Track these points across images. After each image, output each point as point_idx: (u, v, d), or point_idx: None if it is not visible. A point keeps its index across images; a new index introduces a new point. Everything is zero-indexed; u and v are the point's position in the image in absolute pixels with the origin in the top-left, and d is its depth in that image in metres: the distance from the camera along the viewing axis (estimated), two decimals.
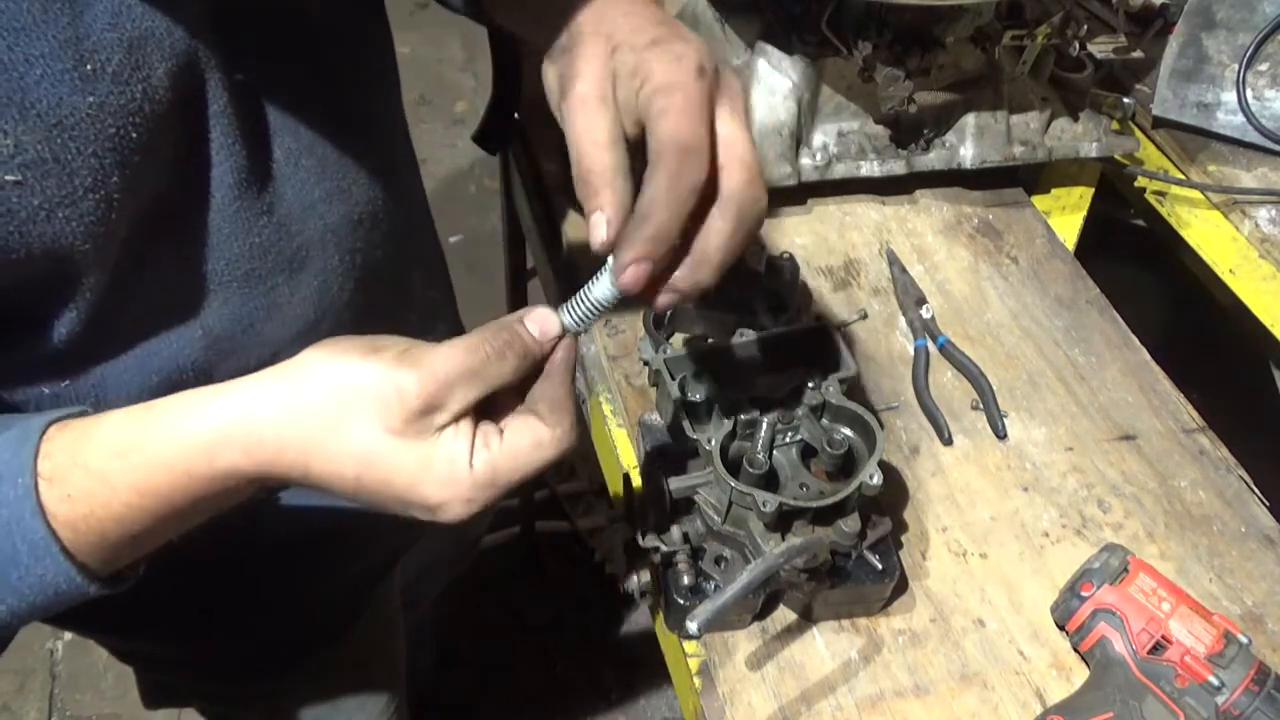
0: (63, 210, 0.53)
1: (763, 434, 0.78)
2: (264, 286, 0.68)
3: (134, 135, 0.55)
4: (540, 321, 0.57)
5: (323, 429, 0.52)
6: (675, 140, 0.55)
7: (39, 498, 0.51)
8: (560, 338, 0.58)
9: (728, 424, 0.78)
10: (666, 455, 0.84)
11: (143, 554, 0.57)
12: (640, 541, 0.78)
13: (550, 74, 0.63)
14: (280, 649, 0.95)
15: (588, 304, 0.59)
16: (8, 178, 0.50)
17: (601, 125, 0.58)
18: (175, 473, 0.52)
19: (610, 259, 0.57)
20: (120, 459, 0.52)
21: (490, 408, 0.57)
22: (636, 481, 0.86)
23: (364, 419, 0.52)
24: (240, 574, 0.85)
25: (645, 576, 0.80)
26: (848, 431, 0.80)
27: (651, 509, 0.80)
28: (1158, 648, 0.76)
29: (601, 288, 0.58)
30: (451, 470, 0.53)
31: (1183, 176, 1.24)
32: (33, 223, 0.52)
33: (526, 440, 0.55)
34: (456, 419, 0.54)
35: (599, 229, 0.56)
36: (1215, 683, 0.74)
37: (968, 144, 1.15)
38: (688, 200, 0.56)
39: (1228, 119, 1.22)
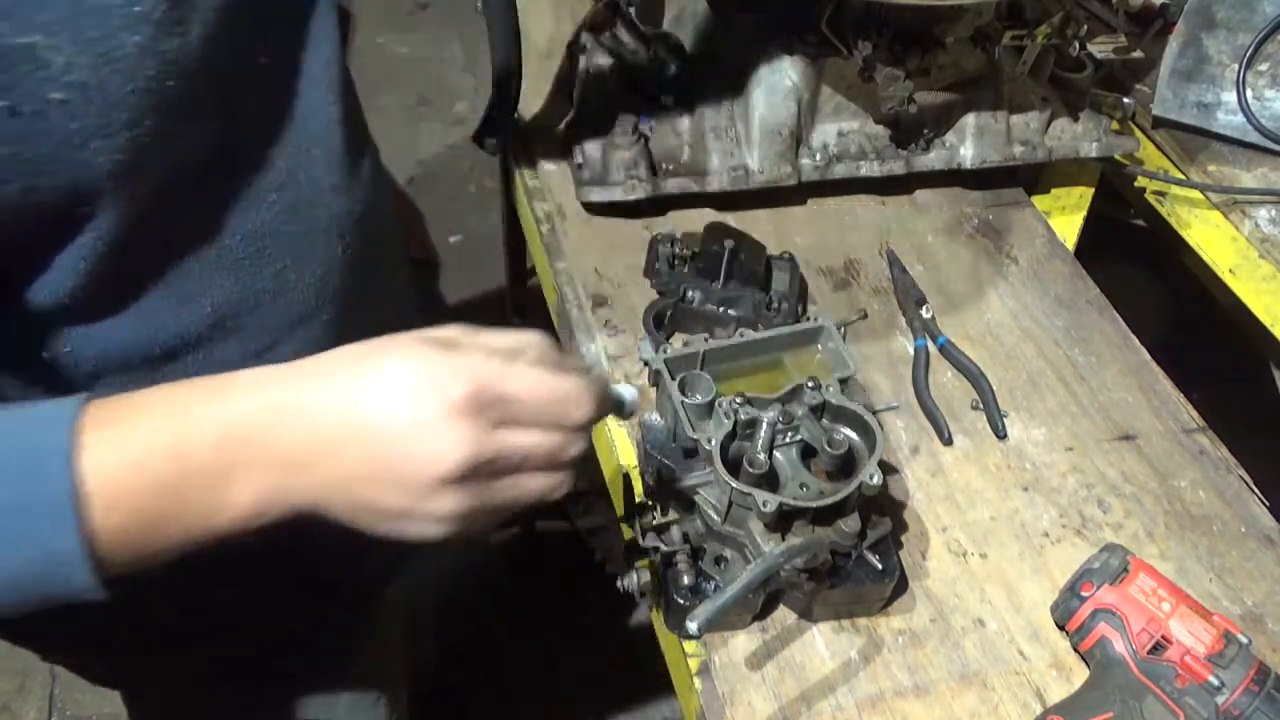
0: (96, 141, 0.55)
1: (763, 434, 0.78)
2: (273, 268, 0.71)
3: (170, 84, 0.57)
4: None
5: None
6: None
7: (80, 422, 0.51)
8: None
9: (728, 424, 0.78)
10: (666, 455, 0.84)
11: (147, 557, 0.54)
12: (640, 541, 0.78)
13: None
14: (280, 659, 0.95)
15: None
16: (54, 95, 0.52)
17: None
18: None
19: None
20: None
21: None
22: (636, 482, 0.86)
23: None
24: (234, 581, 0.85)
25: (645, 576, 0.80)
26: (848, 431, 0.80)
27: (652, 509, 0.80)
28: (1158, 648, 0.76)
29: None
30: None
31: (1183, 176, 1.24)
32: (67, 146, 0.54)
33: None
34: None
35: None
36: (1215, 683, 0.74)
37: (968, 144, 1.15)
38: None
39: (1228, 119, 1.23)
